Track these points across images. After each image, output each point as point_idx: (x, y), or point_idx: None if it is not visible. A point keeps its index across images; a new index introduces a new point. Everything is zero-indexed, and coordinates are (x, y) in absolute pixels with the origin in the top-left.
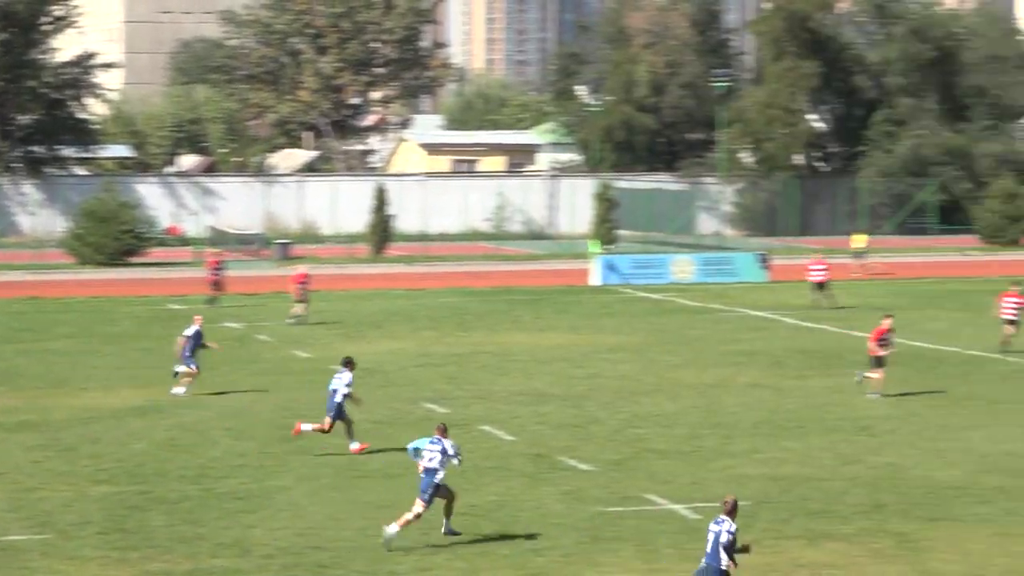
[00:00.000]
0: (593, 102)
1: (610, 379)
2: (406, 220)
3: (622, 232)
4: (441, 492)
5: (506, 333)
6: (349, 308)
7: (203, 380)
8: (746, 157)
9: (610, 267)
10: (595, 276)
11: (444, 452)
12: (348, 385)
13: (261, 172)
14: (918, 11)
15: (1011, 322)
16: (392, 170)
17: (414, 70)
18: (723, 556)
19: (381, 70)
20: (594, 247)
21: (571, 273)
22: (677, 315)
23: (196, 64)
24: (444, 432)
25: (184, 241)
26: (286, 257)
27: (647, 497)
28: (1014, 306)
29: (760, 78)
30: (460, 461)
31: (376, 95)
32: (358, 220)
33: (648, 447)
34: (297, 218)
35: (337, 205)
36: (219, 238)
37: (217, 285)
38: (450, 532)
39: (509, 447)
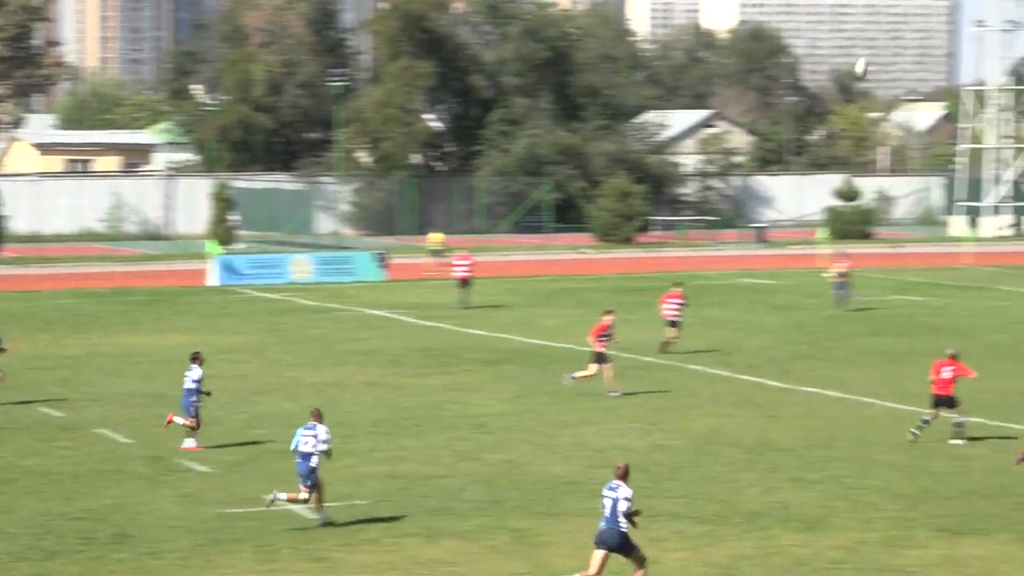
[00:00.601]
0: (209, 101)
1: (229, 380)
2: (19, 221)
3: (240, 232)
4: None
5: (123, 335)
6: None
7: None
8: (364, 156)
9: (228, 267)
10: (213, 276)
11: (316, 437)
12: (196, 381)
13: None
14: (532, 12)
15: (673, 323)
16: (4, 170)
17: (26, 68)
18: (622, 520)
19: None
20: (211, 247)
21: (189, 273)
22: (296, 315)
23: None
24: (319, 417)
25: None
26: None
27: (266, 498)
28: (676, 306)
29: (377, 78)
30: (329, 452)
31: None
32: None
33: (268, 447)
34: None
35: None
36: None
37: None
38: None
39: (126, 450)
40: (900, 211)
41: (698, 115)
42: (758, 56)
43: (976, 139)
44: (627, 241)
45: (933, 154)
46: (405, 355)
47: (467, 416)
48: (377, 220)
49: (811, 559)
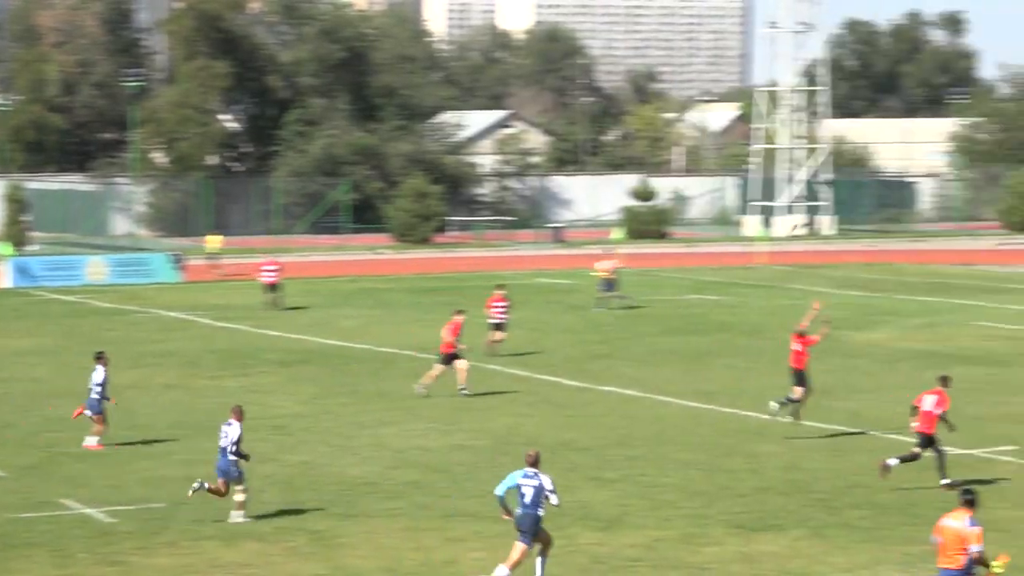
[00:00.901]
0: (2, 101)
1: (23, 383)
2: None
3: (34, 234)
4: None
5: None
6: None
7: None
8: (159, 157)
9: (22, 269)
10: (6, 279)
11: (227, 436)
12: (100, 384)
13: None
14: (328, 12)
15: (499, 326)
16: None
17: None
18: (541, 508)
19: None
20: (4, 249)
21: None
22: (92, 317)
23: None
24: (239, 415)
25: None
26: None
27: (62, 502)
28: (502, 309)
29: (173, 78)
30: (238, 451)
31: None
32: None
33: (64, 451)
34: None
35: None
36: None
37: None
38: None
39: None
40: (695, 211)
41: (495, 115)
42: (554, 57)
43: (769, 139)
44: (424, 241)
45: (727, 154)
46: (202, 357)
47: (265, 418)
48: (173, 221)
49: (609, 557)
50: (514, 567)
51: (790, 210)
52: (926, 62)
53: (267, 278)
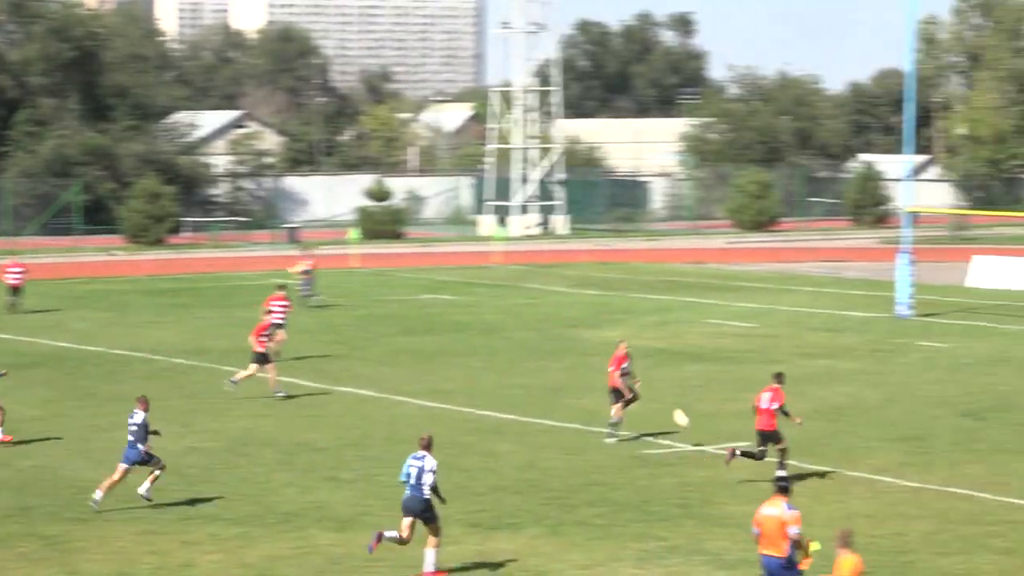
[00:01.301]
0: None
1: None
2: None
3: None
4: (144, 461)
5: None
6: None
7: None
8: None
9: None
10: None
11: (138, 425)
12: None
13: None
14: (58, 11)
15: (278, 326)
16: None
17: None
18: (426, 489)
19: None
20: None
21: None
22: None
23: None
24: (145, 405)
25: None
26: None
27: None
28: (281, 310)
29: None
30: (146, 434)
31: None
32: None
33: None
34: None
35: None
36: None
37: None
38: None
39: None
40: (430, 211)
41: (228, 116)
42: (288, 57)
43: (503, 139)
44: (158, 242)
45: (462, 154)
46: None
47: None
48: None
49: (346, 558)
50: (403, 542)
51: (524, 210)
52: (657, 63)
53: (12, 280)
